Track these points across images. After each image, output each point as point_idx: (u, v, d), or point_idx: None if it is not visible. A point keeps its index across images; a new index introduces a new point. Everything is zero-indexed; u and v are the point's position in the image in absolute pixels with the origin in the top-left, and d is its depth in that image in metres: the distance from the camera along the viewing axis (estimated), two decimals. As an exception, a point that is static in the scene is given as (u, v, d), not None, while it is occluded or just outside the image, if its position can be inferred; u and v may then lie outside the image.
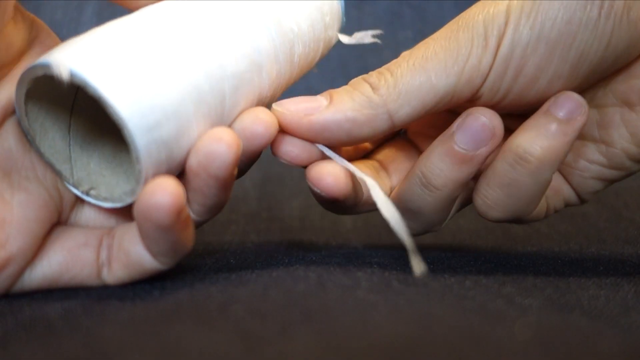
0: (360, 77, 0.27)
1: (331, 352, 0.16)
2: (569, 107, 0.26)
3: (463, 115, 0.27)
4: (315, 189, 0.27)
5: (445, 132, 0.27)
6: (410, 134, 0.32)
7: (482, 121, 0.26)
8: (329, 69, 0.60)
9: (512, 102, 0.27)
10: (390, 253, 0.35)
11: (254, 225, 0.48)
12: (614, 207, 0.50)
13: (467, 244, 0.40)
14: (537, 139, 0.26)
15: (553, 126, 0.26)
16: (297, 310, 0.20)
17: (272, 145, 0.26)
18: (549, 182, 0.27)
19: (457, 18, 0.27)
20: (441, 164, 0.27)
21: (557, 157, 0.26)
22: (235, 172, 0.24)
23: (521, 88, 0.26)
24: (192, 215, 0.25)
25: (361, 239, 0.42)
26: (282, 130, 0.26)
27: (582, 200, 0.30)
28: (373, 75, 0.26)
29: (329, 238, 0.42)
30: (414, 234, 0.29)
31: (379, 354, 0.16)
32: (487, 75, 0.26)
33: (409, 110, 0.26)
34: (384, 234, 0.46)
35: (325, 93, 0.27)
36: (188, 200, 0.24)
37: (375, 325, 0.18)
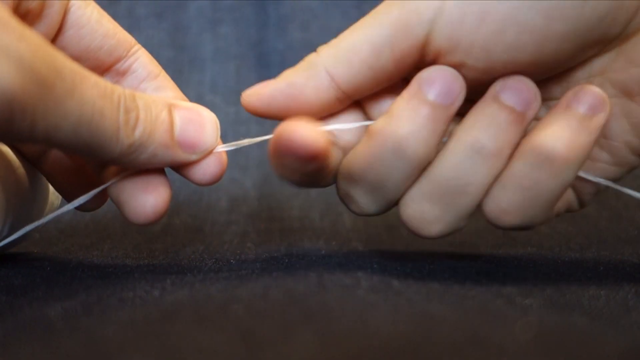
0: None
1: (331, 352, 0.16)
2: (590, 101, 0.24)
3: (500, 79, 0.24)
4: (286, 151, 0.23)
5: (485, 96, 0.25)
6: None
7: (525, 82, 0.24)
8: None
9: (476, 63, 0.24)
10: (390, 253, 0.35)
11: (254, 225, 0.48)
12: (614, 207, 0.50)
13: (467, 244, 0.40)
14: (561, 136, 0.24)
15: (576, 122, 0.24)
16: (297, 310, 0.20)
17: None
18: (570, 183, 0.25)
19: None
20: (492, 127, 0.24)
21: (583, 155, 0.24)
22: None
23: (485, 41, 0.23)
24: None
25: (361, 239, 0.42)
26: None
27: (582, 204, 0.28)
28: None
29: (329, 238, 0.42)
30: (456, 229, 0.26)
31: (379, 353, 0.16)
32: (433, 21, 0.23)
33: (348, 68, 0.24)
34: (384, 234, 0.46)
35: None
36: None
37: (375, 325, 0.18)
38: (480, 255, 0.34)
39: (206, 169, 0.26)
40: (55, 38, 0.26)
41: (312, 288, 0.23)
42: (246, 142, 0.27)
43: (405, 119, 0.24)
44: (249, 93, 0.26)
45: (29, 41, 0.19)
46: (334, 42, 0.25)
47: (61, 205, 0.34)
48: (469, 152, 0.24)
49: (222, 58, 0.62)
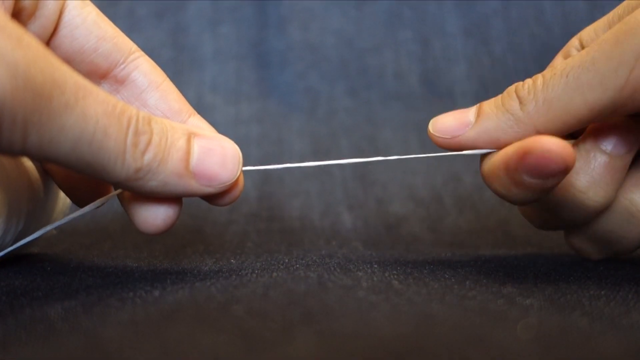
0: (515, 85, 0.25)
1: (332, 352, 0.16)
2: None
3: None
4: (538, 165, 0.22)
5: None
6: None
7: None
8: (329, 69, 0.60)
9: None
10: (390, 253, 0.35)
11: (254, 225, 0.48)
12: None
13: (467, 244, 0.40)
14: None
15: None
16: (297, 310, 0.20)
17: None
18: None
19: (629, 17, 0.23)
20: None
21: None
22: None
23: None
24: None
25: (361, 239, 0.42)
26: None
27: None
28: (526, 85, 0.25)
29: (329, 238, 0.42)
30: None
31: (380, 354, 0.16)
32: None
33: (559, 125, 0.24)
34: (384, 234, 0.46)
35: (477, 105, 0.26)
36: None
37: (376, 326, 0.18)
38: (480, 255, 0.34)
39: (224, 195, 0.25)
40: (49, 38, 0.25)
41: (313, 288, 0.23)
42: (270, 167, 0.27)
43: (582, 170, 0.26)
44: (438, 133, 0.26)
45: (27, 48, 0.18)
46: (545, 94, 0.24)
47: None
48: (625, 214, 0.27)
49: (222, 58, 0.62)
